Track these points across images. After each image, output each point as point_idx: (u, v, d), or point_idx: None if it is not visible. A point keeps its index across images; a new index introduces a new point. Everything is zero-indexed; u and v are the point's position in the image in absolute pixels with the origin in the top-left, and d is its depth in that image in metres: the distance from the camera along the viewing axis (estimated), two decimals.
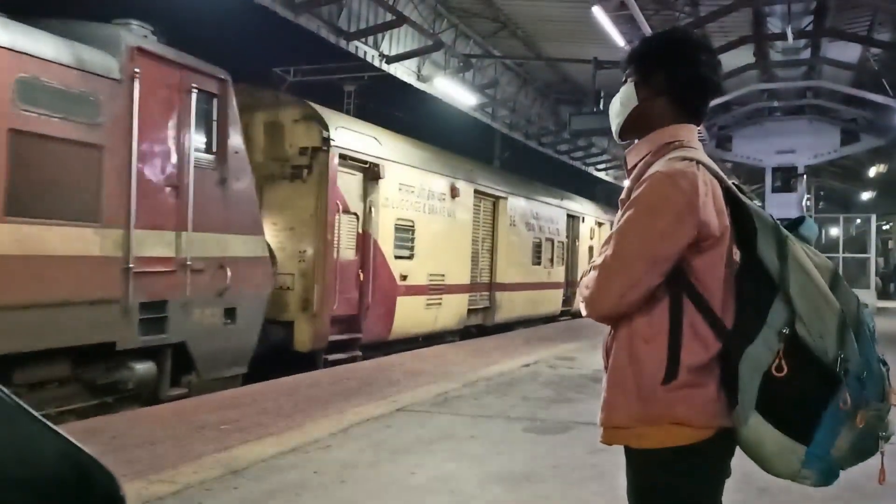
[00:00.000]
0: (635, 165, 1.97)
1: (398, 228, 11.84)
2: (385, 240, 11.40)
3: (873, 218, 24.90)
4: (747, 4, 14.03)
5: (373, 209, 11.09)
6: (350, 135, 10.76)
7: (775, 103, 20.77)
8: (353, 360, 10.43)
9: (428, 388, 7.68)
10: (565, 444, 5.56)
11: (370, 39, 15.47)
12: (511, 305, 16.46)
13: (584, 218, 21.63)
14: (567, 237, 20.46)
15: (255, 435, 5.45)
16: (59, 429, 0.92)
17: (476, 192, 14.79)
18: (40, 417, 0.92)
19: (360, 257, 10.90)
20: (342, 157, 10.33)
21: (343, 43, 14.80)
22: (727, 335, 1.80)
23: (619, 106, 2.06)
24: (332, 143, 10.03)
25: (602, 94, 15.78)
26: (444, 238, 13.32)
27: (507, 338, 13.84)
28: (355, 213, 10.86)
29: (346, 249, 10.61)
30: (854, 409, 1.70)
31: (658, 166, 1.86)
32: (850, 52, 16.74)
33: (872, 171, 29.40)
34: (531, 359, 10.18)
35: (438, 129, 24.52)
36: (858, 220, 32.41)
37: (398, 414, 6.39)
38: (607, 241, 1.89)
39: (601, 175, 31.39)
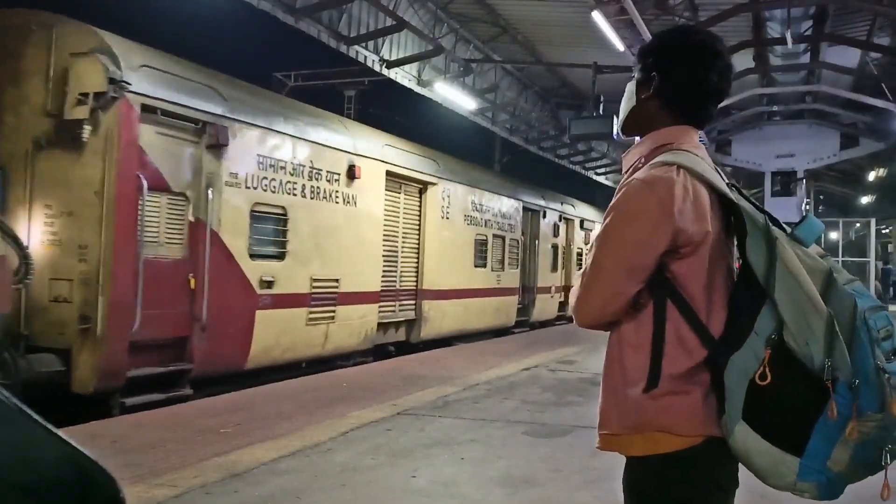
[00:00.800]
0: (629, 169, 1.96)
1: (257, 217, 8.71)
2: (233, 232, 8.28)
3: (873, 222, 24.95)
4: (747, 9, 14.07)
5: (211, 189, 7.95)
6: (164, 79, 7.64)
7: (775, 108, 20.83)
8: (179, 400, 7.40)
9: (428, 391, 7.68)
10: (566, 447, 5.56)
11: (370, 44, 15.50)
12: (444, 317, 13.29)
13: (545, 212, 18.53)
14: (524, 234, 17.57)
15: (256, 439, 5.46)
16: (61, 432, 0.92)
17: (390, 174, 11.63)
18: (41, 420, 0.92)
19: (192, 256, 7.85)
20: (149, 109, 7.28)
21: (343, 48, 14.83)
22: (713, 342, 1.77)
23: (624, 103, 2.05)
24: (126, 87, 7.00)
25: (602, 99, 15.79)
26: (337, 232, 10.11)
27: (507, 342, 13.84)
28: (182, 194, 7.78)
29: (162, 244, 7.56)
30: (843, 420, 1.62)
31: (639, 173, 1.84)
32: (849, 56, 16.78)
33: (872, 176, 29.44)
34: (531, 362, 10.18)
35: (439, 134, 24.56)
36: (858, 224, 32.46)
37: (398, 417, 6.40)
38: (590, 250, 1.88)
39: (601, 179, 31.43)
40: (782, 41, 14.74)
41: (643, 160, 1.91)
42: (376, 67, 16.10)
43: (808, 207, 22.62)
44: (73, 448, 0.92)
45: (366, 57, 15.62)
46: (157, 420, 6.20)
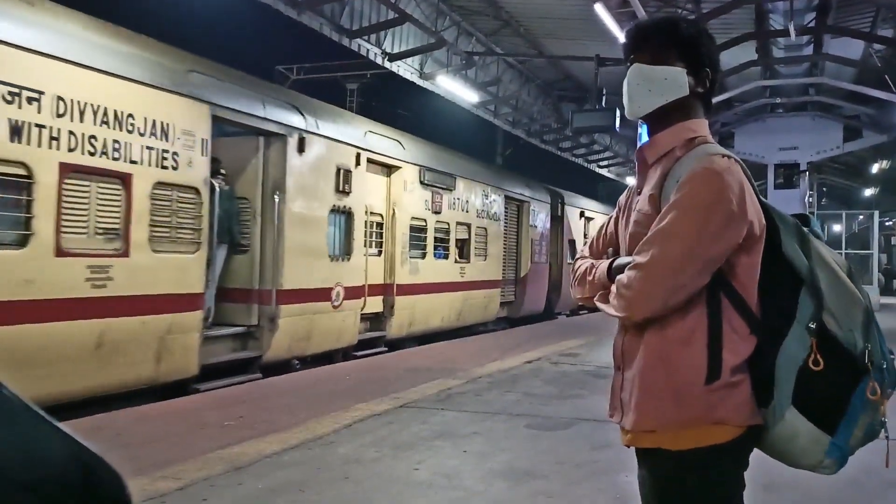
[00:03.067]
0: (657, 161, 1.94)
1: None
2: None
3: (876, 214, 24.88)
4: (749, 1, 14.02)
5: None
6: None
7: (778, 100, 20.76)
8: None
9: (430, 384, 7.69)
10: (568, 440, 5.57)
11: (373, 37, 15.49)
12: None
13: (303, 140, 9.40)
14: (250, 184, 9.18)
15: (259, 432, 5.47)
16: (66, 428, 0.93)
17: None
18: (46, 416, 0.92)
19: None
20: None
21: (346, 41, 14.82)
22: (763, 332, 1.81)
23: (664, 87, 1.94)
24: None
25: (604, 92, 15.75)
26: None
27: (509, 334, 13.84)
28: None
29: None
30: (881, 399, 1.76)
31: (697, 162, 1.82)
32: (852, 48, 16.72)
33: (875, 168, 29.39)
34: (534, 355, 10.18)
35: (440, 127, 24.56)
36: (861, 217, 32.41)
37: (401, 410, 6.41)
38: (649, 241, 1.80)
39: (603, 172, 31.38)
40: (785, 33, 14.69)
41: (678, 152, 1.91)
42: (378, 60, 16.10)
43: (811, 200, 22.58)
44: (79, 444, 0.92)
45: (368, 50, 15.61)
46: (161, 413, 6.22)
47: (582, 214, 21.90)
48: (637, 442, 1.89)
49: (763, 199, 1.88)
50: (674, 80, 1.94)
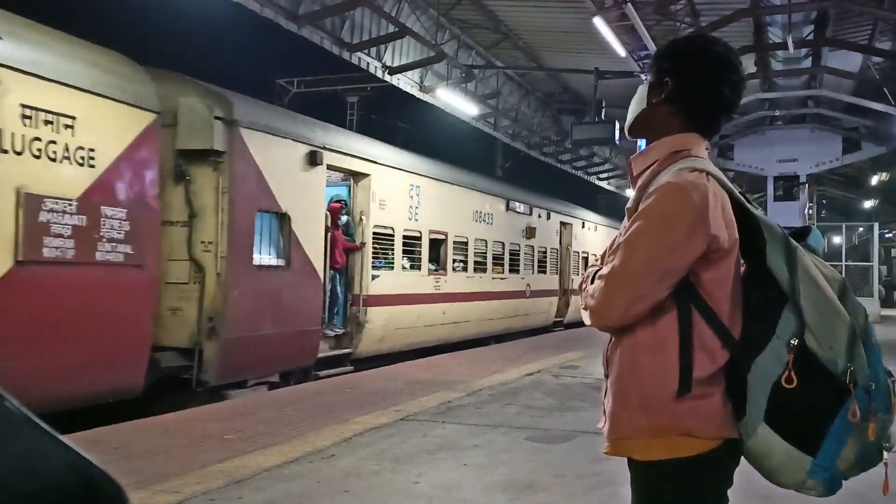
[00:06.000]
0: (641, 173, 1.95)
1: None
2: None
3: (876, 226, 24.89)
4: (748, 14, 14.09)
5: None
6: None
7: (777, 112, 20.82)
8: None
9: (431, 397, 7.68)
10: (568, 452, 5.55)
11: (373, 51, 15.55)
12: None
13: None
14: None
15: (259, 445, 5.46)
16: (67, 440, 0.93)
17: None
18: (48, 428, 0.93)
19: None
20: None
21: (346, 55, 14.88)
22: (735, 346, 1.80)
23: (634, 105, 2.04)
24: None
25: (603, 104, 15.78)
26: None
27: (509, 347, 13.82)
28: None
29: None
30: (864, 421, 1.69)
31: (667, 176, 1.83)
32: (851, 61, 16.78)
33: (874, 180, 29.45)
34: (534, 368, 10.17)
35: (440, 140, 24.64)
36: (861, 229, 32.45)
37: (401, 423, 6.40)
38: (614, 251, 1.85)
39: (603, 184, 31.44)
40: (783, 46, 14.75)
41: (657, 166, 1.91)
42: (379, 74, 16.15)
43: (810, 212, 22.58)
44: (80, 455, 0.92)
45: (368, 63, 15.68)
46: (161, 426, 6.21)
47: (309, 157, 9.79)
48: (613, 450, 1.88)
49: (756, 210, 1.86)
50: (639, 97, 2.03)
